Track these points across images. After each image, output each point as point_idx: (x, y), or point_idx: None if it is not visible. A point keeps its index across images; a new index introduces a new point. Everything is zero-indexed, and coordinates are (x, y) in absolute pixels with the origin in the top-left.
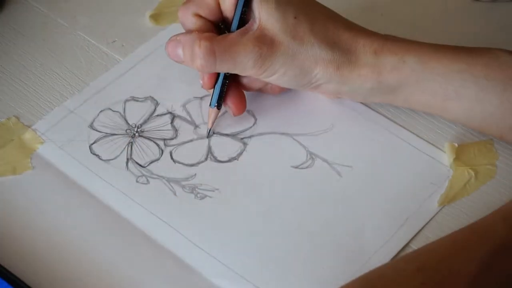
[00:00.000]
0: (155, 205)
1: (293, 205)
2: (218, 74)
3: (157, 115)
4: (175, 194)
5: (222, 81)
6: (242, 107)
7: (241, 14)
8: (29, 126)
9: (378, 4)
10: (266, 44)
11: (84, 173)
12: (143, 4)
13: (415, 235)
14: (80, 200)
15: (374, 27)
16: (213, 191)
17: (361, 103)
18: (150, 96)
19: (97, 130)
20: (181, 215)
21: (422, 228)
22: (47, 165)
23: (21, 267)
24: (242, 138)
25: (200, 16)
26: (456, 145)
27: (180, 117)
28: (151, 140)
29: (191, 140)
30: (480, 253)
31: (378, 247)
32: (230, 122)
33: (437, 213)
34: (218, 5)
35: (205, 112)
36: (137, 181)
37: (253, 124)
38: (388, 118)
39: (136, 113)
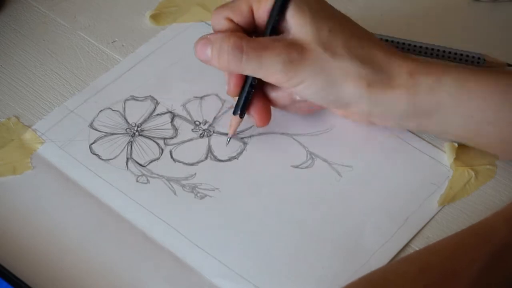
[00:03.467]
0: (155, 205)
1: (293, 205)
2: (244, 83)
3: (157, 114)
4: (175, 193)
5: (248, 89)
6: (266, 119)
7: (274, 23)
8: (29, 126)
9: (378, 4)
10: (296, 50)
11: (84, 173)
12: (143, 4)
13: (415, 235)
14: (80, 200)
15: (374, 27)
16: (213, 190)
17: None
18: (150, 96)
19: (97, 130)
20: (181, 214)
21: (422, 228)
22: (47, 165)
23: (21, 267)
24: (242, 138)
25: (231, 21)
26: (456, 145)
27: (180, 116)
28: (151, 139)
29: (191, 139)
30: (482, 255)
31: (378, 247)
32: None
33: (437, 213)
34: (252, 12)
35: (205, 111)
36: (137, 181)
37: (253, 124)
38: None
39: (136, 113)
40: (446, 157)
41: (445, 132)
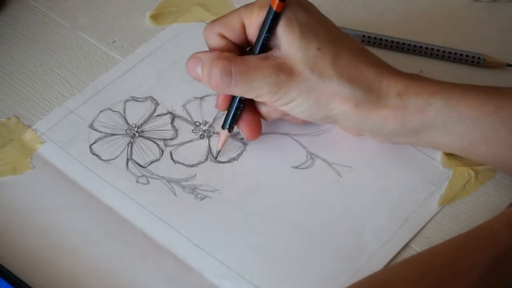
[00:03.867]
0: (155, 206)
1: (293, 205)
2: (233, 97)
3: (157, 115)
4: (175, 194)
5: (236, 104)
6: (256, 132)
7: (264, 39)
8: (29, 126)
9: (378, 4)
10: (284, 72)
11: (84, 173)
12: (143, 4)
13: (415, 235)
14: (80, 200)
15: (374, 27)
16: (213, 191)
17: None
18: (150, 96)
19: (97, 130)
20: (181, 215)
21: (422, 228)
22: (47, 165)
23: (21, 267)
24: (242, 138)
25: (224, 37)
26: None
27: (180, 117)
28: (151, 140)
29: (191, 140)
30: (484, 259)
31: (378, 247)
32: None
33: (437, 213)
34: (244, 29)
35: (205, 112)
36: (137, 181)
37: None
38: None
39: (136, 113)
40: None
41: (436, 148)
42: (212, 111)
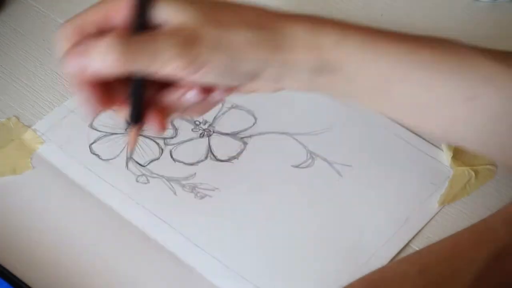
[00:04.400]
0: (155, 205)
1: (293, 205)
2: (132, 87)
3: None
4: (175, 193)
5: (136, 91)
6: (161, 127)
7: (142, 18)
8: (29, 126)
9: (378, 4)
10: (188, 31)
11: (84, 173)
12: None
13: (415, 235)
14: (80, 200)
15: None
16: (213, 190)
17: None
18: None
19: (97, 130)
20: (181, 214)
21: (422, 228)
22: (47, 165)
23: (21, 267)
24: (242, 138)
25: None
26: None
27: None
28: (151, 139)
29: (191, 139)
30: (482, 256)
31: (378, 247)
32: (230, 122)
33: (437, 213)
34: (108, 22)
35: None
36: (137, 181)
37: (253, 124)
38: (389, 118)
39: None
40: (445, 156)
41: (353, 93)
42: (212, 110)
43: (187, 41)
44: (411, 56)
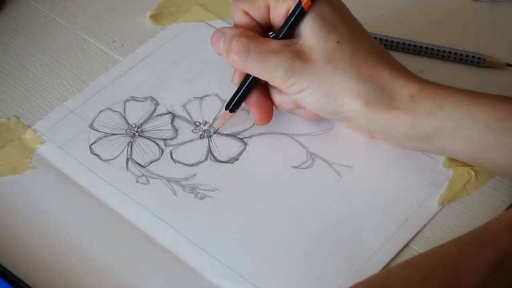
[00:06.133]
0: (155, 205)
1: (293, 205)
2: (245, 78)
3: (157, 115)
4: (175, 194)
5: (246, 86)
6: (266, 118)
7: (287, 30)
8: (29, 126)
9: (378, 4)
10: (300, 59)
11: (84, 173)
12: (143, 4)
13: (415, 235)
14: (80, 200)
15: (374, 27)
16: (213, 191)
17: None
18: (150, 96)
19: (97, 130)
20: (181, 215)
21: (422, 228)
22: (47, 165)
23: (21, 267)
24: (242, 138)
25: (248, 14)
26: None
27: (180, 117)
28: (151, 140)
29: (191, 140)
30: (485, 263)
31: (378, 247)
32: (230, 122)
33: (437, 213)
34: (268, 10)
35: (205, 112)
36: (137, 181)
37: (253, 124)
38: None
39: (136, 113)
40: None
41: (447, 154)
42: (212, 111)
43: (294, 68)
44: (505, 121)
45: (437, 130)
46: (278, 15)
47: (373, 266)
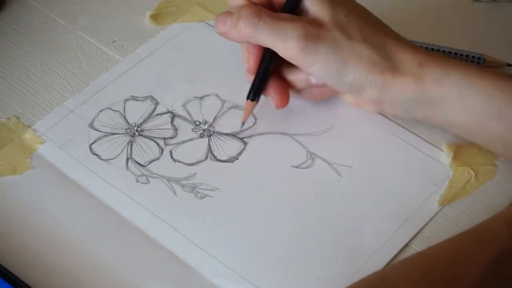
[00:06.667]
0: (155, 205)
1: (293, 205)
2: (260, 66)
3: (157, 114)
4: (175, 193)
5: (263, 70)
6: (285, 99)
7: (293, 3)
8: (29, 126)
9: (378, 4)
10: (314, 27)
11: (84, 173)
12: (143, 4)
13: (415, 235)
14: (80, 200)
15: None
16: (213, 190)
17: None
18: (150, 96)
19: (97, 130)
20: (181, 214)
21: (422, 228)
22: (47, 165)
23: (21, 267)
24: (242, 138)
25: None
26: (454, 145)
27: (180, 116)
28: (151, 139)
29: (191, 139)
30: (484, 260)
31: (378, 247)
32: (230, 122)
33: (437, 213)
34: None
35: (205, 111)
36: (137, 181)
37: (253, 124)
38: (388, 118)
39: (136, 112)
40: (445, 156)
41: (449, 125)
42: (212, 110)
43: (309, 35)
44: (506, 95)
45: (443, 98)
46: None
47: (373, 266)
